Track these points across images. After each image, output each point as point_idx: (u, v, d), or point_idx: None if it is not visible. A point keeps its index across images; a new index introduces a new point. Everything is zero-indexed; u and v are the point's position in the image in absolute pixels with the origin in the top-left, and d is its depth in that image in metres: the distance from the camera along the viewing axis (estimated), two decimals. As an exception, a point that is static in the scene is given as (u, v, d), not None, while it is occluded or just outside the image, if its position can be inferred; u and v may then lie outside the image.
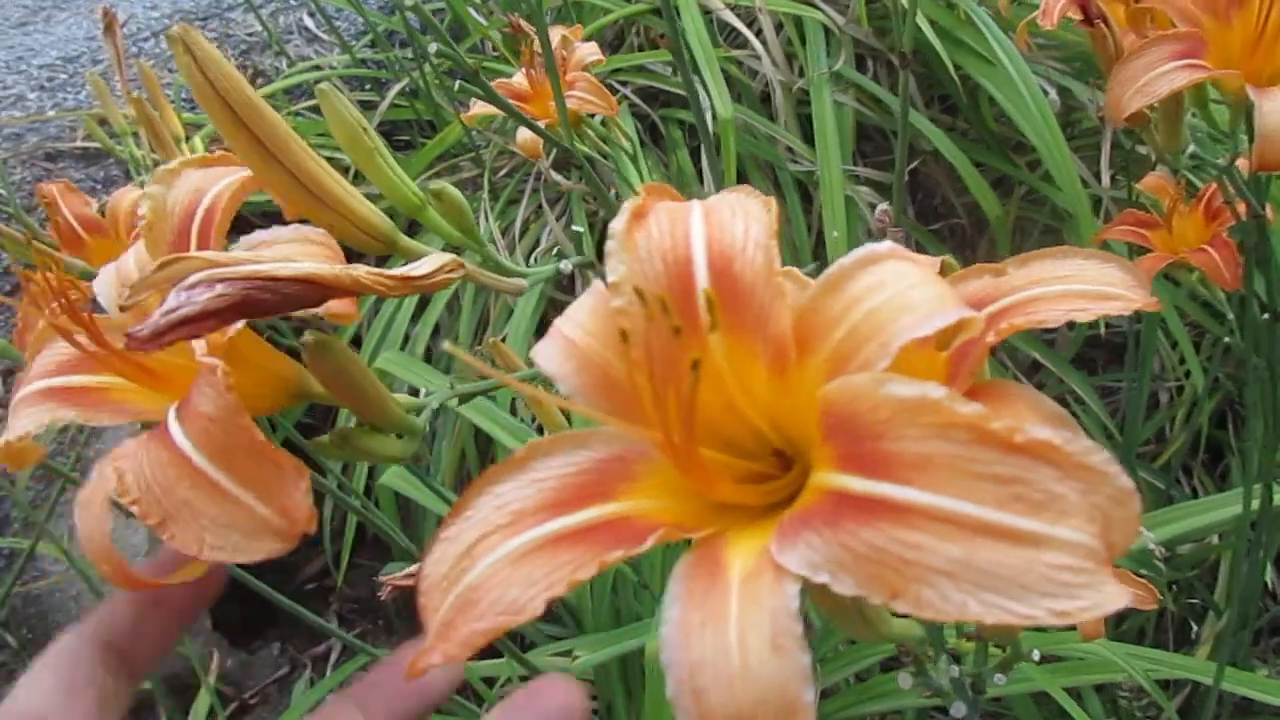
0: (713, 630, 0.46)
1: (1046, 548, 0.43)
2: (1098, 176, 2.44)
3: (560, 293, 2.41)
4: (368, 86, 2.97)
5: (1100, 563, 0.43)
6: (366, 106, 2.78)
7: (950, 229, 2.71)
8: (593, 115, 1.49)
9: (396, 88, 2.73)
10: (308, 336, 0.65)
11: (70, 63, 2.92)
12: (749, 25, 2.39)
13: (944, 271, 0.72)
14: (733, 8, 2.37)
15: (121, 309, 0.61)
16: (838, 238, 2.05)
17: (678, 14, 2.18)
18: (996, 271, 0.66)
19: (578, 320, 0.61)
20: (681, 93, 2.37)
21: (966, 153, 2.39)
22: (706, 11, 2.35)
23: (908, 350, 0.53)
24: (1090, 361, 2.70)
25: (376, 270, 0.62)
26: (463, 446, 2.30)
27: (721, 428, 0.60)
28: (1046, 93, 2.27)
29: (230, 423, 0.61)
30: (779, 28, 2.41)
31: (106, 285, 0.76)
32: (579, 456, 0.58)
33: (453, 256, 0.67)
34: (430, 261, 0.65)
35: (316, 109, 2.88)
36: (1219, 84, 0.95)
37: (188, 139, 1.91)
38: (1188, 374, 2.37)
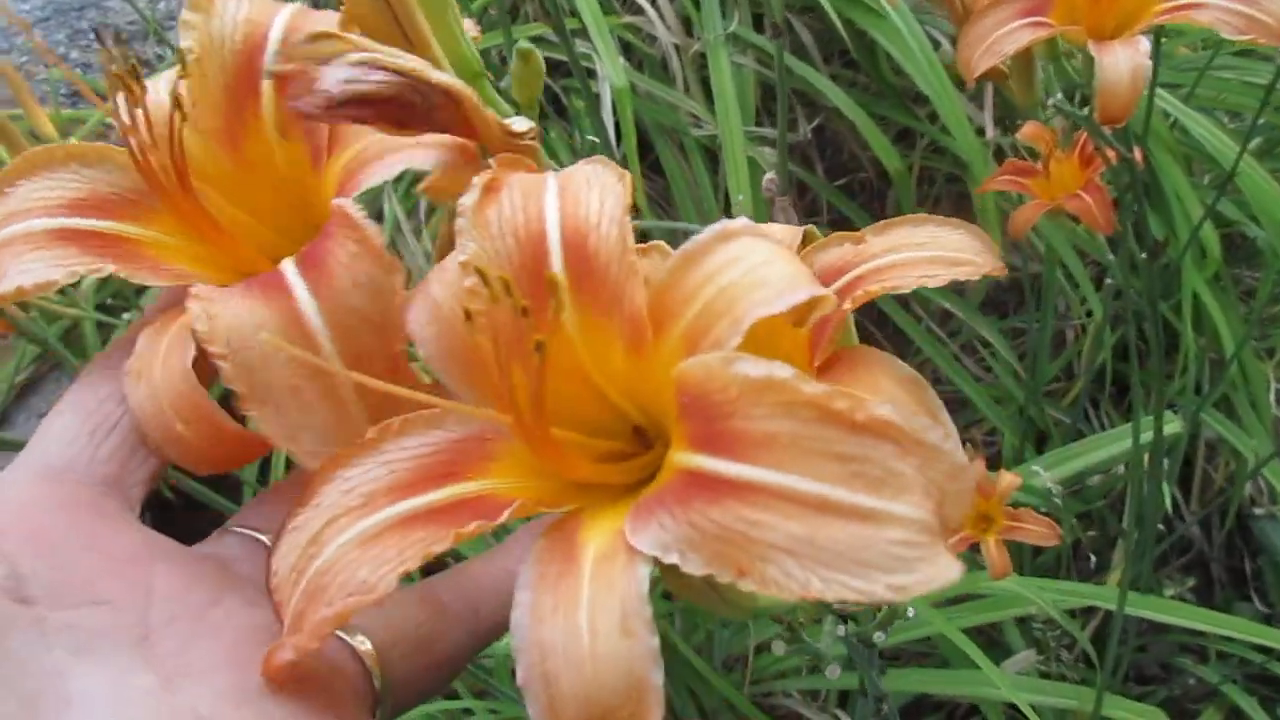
0: (564, 614, 0.47)
1: (885, 524, 0.44)
2: (997, 124, 2.48)
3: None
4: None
5: (934, 536, 0.44)
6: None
7: (859, 184, 2.74)
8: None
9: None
10: (451, 203, 0.58)
11: (-59, 63, 2.79)
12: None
13: (807, 240, 0.74)
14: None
15: (270, 76, 0.54)
16: (743, 201, 2.06)
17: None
18: (856, 239, 0.68)
19: (447, 279, 0.59)
20: (583, 64, 2.35)
21: (868, 107, 2.41)
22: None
23: (770, 321, 0.54)
24: (1002, 305, 2.77)
25: (497, 116, 0.58)
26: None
27: (579, 406, 0.59)
28: (939, 44, 2.30)
29: (380, 331, 0.54)
30: (672, -9, 2.40)
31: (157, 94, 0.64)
32: (433, 436, 0.56)
33: (533, 124, 0.63)
34: (522, 122, 0.62)
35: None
36: (1067, 38, 0.98)
37: (65, 138, 1.85)
38: (1090, 313, 2.45)
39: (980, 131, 2.35)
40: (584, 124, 2.43)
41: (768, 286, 0.52)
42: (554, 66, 2.56)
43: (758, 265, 0.53)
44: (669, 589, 0.62)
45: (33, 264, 0.57)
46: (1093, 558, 2.05)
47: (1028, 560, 2.15)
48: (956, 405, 2.68)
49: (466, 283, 0.56)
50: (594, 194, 0.58)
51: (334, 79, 0.52)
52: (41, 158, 0.62)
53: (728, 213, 2.31)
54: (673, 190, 2.41)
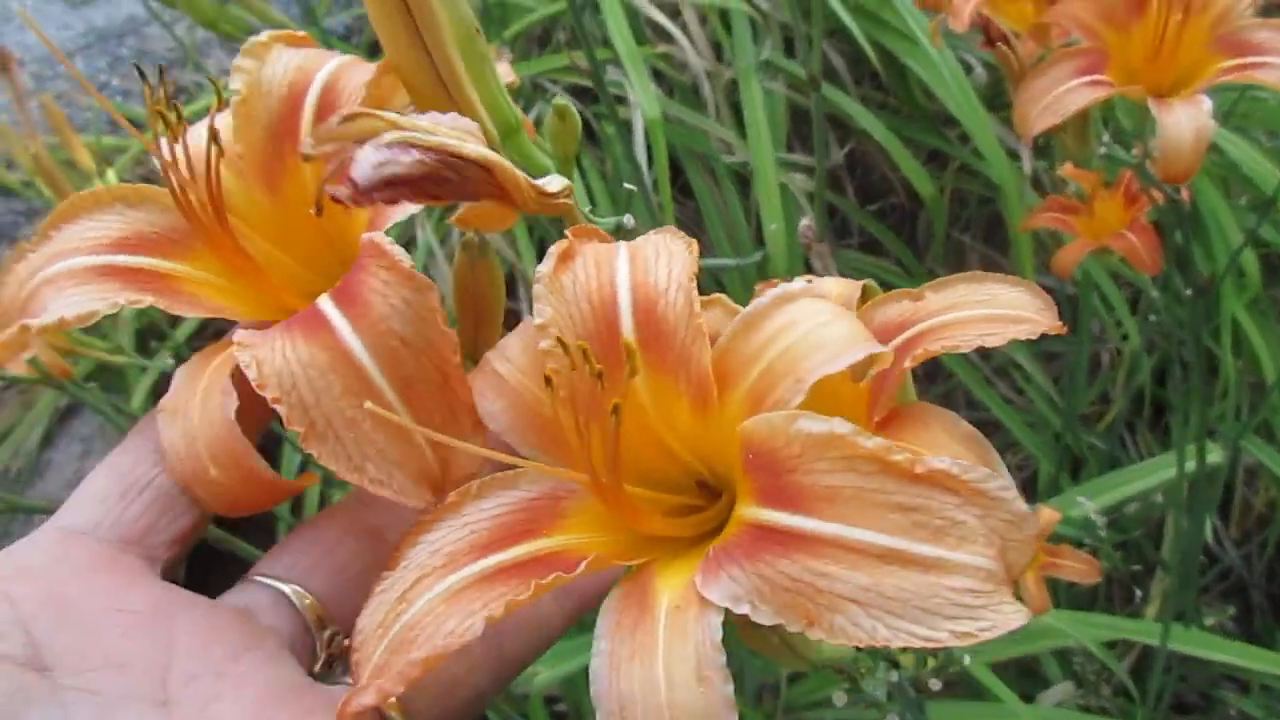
0: (641, 663, 0.49)
1: (949, 572, 0.46)
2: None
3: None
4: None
5: (999, 584, 0.46)
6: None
7: (890, 206, 2.73)
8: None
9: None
10: (469, 236, 0.63)
11: (-20, 90, 2.83)
12: (674, 19, 2.37)
13: (867, 295, 0.74)
14: (658, 4, 2.35)
15: (306, 158, 0.55)
16: (776, 230, 2.06)
17: (596, 10, 2.16)
18: (915, 296, 0.69)
19: (509, 356, 0.62)
20: (613, 90, 2.35)
21: (898, 130, 2.40)
22: (632, 10, 2.33)
23: (830, 379, 0.56)
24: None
25: (529, 178, 0.59)
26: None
27: (648, 462, 0.61)
28: (971, 68, 2.28)
29: (426, 349, 0.55)
30: (704, 20, 2.40)
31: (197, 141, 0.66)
32: (509, 497, 0.59)
33: (568, 181, 0.64)
34: (556, 181, 0.63)
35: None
36: (1126, 95, 0.97)
37: (102, 173, 1.86)
38: (1126, 336, 2.42)
39: (1014, 155, 2.33)
40: (615, 150, 2.43)
41: (827, 347, 0.54)
42: (584, 91, 2.57)
43: (817, 327, 0.56)
44: (738, 637, 0.63)
45: (74, 297, 0.59)
46: (1135, 591, 2.02)
47: (1064, 589, 2.13)
48: (989, 429, 2.66)
49: (543, 344, 0.59)
50: (662, 262, 0.60)
51: (366, 165, 0.53)
52: (87, 201, 0.64)
53: (760, 240, 2.30)
54: (703, 215, 2.40)
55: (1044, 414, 2.36)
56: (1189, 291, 1.38)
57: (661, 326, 0.58)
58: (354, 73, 0.68)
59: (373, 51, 2.90)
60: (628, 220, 0.85)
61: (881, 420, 0.66)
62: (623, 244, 0.63)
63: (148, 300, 0.59)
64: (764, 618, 0.47)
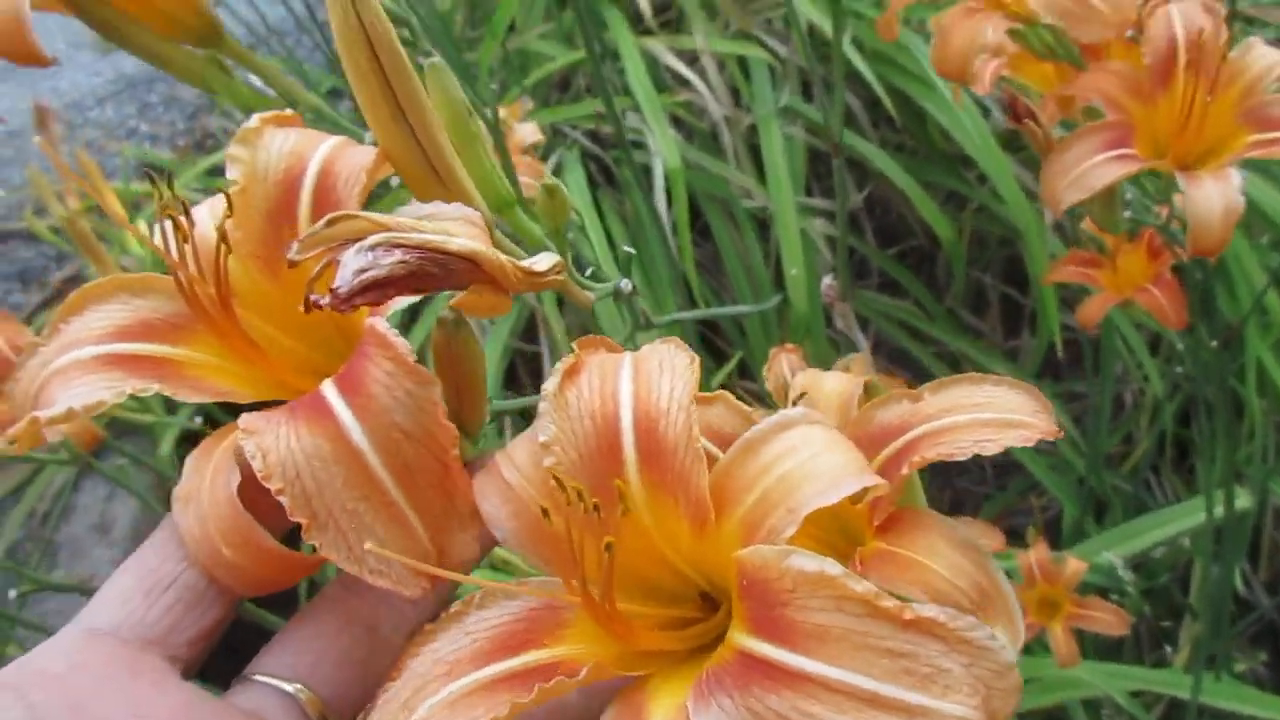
0: None
1: None
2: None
3: (521, 341, 2.40)
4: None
5: None
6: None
7: (910, 248, 2.73)
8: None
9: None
10: (446, 311, 0.63)
11: (14, 138, 2.87)
12: (692, 66, 2.39)
13: (869, 393, 0.75)
14: (676, 51, 2.37)
15: (291, 265, 0.55)
16: (796, 275, 2.06)
17: (616, 58, 2.18)
18: (914, 398, 0.70)
19: (517, 463, 0.63)
20: (632, 136, 2.37)
21: (917, 173, 2.41)
22: (651, 58, 2.36)
23: None
24: (1056, 367, 2.74)
25: (516, 261, 0.60)
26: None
27: (650, 574, 0.62)
28: (989, 112, 2.29)
29: (426, 440, 0.55)
30: (722, 67, 2.42)
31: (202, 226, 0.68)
32: (511, 607, 0.60)
33: (558, 258, 0.65)
34: (545, 259, 0.64)
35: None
36: (1154, 169, 0.97)
37: (131, 219, 1.89)
38: (1148, 377, 2.41)
39: (1033, 196, 2.34)
40: (635, 195, 2.45)
41: (822, 478, 0.56)
42: (605, 137, 2.59)
43: (813, 456, 0.57)
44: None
45: (81, 388, 0.60)
46: (1165, 644, 2.00)
47: (1089, 637, 2.10)
48: (1012, 471, 2.65)
49: (546, 462, 0.60)
50: (665, 379, 0.61)
51: (348, 272, 0.54)
52: (93, 292, 0.66)
53: (779, 283, 2.31)
54: (723, 259, 2.41)
55: (1067, 456, 2.35)
56: (1214, 343, 1.38)
57: (662, 446, 0.59)
58: (348, 155, 0.69)
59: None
60: (625, 285, 0.86)
61: (882, 524, 0.67)
62: (627, 358, 0.63)
63: (154, 388, 0.60)
64: None
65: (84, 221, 1.43)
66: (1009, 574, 1.74)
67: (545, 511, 0.58)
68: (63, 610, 2.15)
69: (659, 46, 2.36)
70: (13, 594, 1.66)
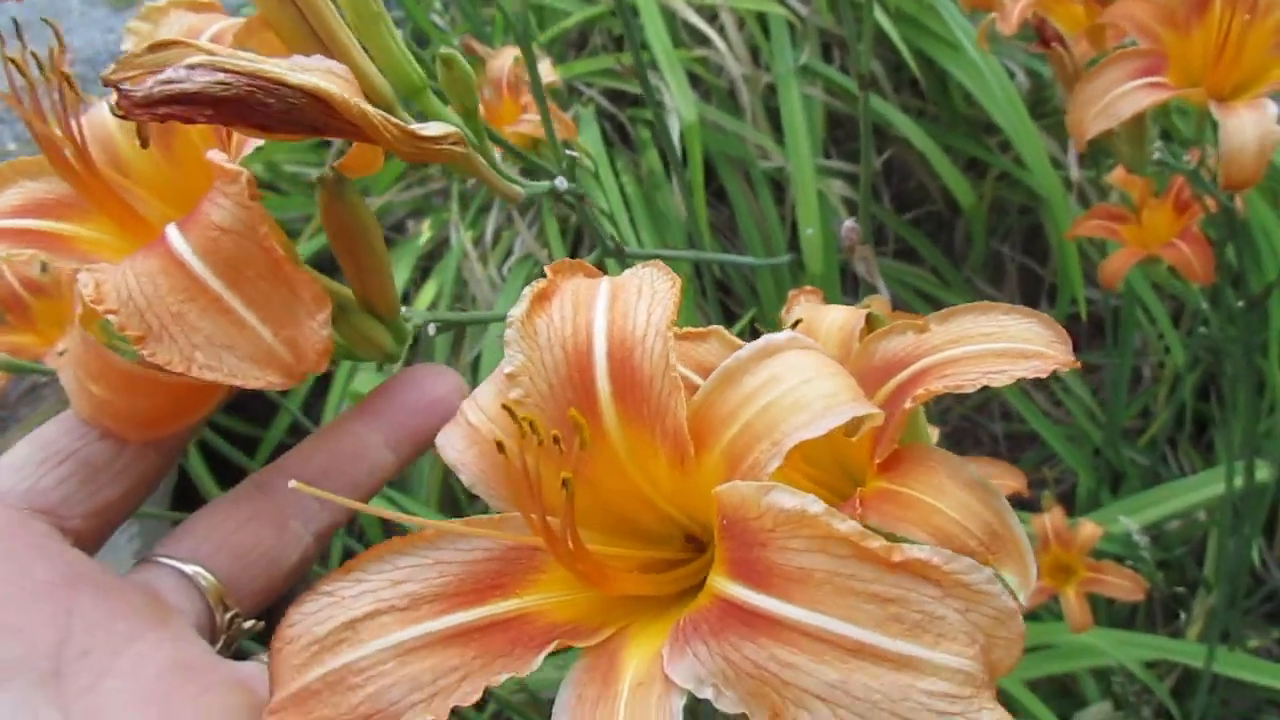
0: None
1: (924, 673, 0.42)
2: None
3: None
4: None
5: (979, 687, 0.42)
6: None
7: (927, 215, 2.69)
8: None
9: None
10: (325, 170, 0.61)
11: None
12: (711, 23, 2.35)
13: (870, 324, 0.70)
14: (695, 7, 2.33)
15: (104, 82, 0.54)
16: (812, 235, 2.03)
17: (635, 13, 2.15)
18: (919, 328, 0.65)
19: (481, 404, 0.60)
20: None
21: (938, 138, 2.37)
22: (669, 13, 2.32)
23: None
24: (1075, 337, 2.70)
25: (386, 115, 0.57)
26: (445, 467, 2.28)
27: (626, 512, 0.59)
28: (1014, 75, 2.25)
29: (246, 233, 0.55)
30: (741, 24, 2.38)
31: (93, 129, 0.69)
32: (487, 543, 0.57)
33: (458, 129, 0.62)
34: (439, 126, 0.61)
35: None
36: (1186, 99, 0.94)
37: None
38: (1169, 349, 2.37)
39: (1057, 164, 2.29)
40: (650, 154, 2.42)
41: (808, 408, 0.51)
42: (620, 95, 2.56)
43: (800, 384, 0.52)
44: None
45: None
46: (1179, 613, 1.97)
47: (1103, 607, 2.08)
48: (1027, 442, 2.61)
49: (511, 394, 0.56)
50: (643, 305, 0.57)
51: (150, 81, 0.51)
52: None
53: (794, 246, 2.28)
54: (738, 220, 2.38)
55: (1084, 427, 2.31)
56: (1240, 304, 1.34)
57: (637, 376, 0.55)
58: (231, 31, 0.68)
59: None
60: (561, 183, 0.80)
61: (884, 462, 0.63)
62: (605, 283, 0.59)
63: (39, 254, 0.63)
64: (727, 705, 0.45)
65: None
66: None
67: (500, 445, 0.54)
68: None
69: (678, 2, 2.33)
70: None
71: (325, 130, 0.56)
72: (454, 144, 0.61)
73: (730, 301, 2.44)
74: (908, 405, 0.60)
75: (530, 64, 1.12)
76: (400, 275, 2.38)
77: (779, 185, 2.39)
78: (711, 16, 2.38)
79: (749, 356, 0.54)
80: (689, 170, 2.11)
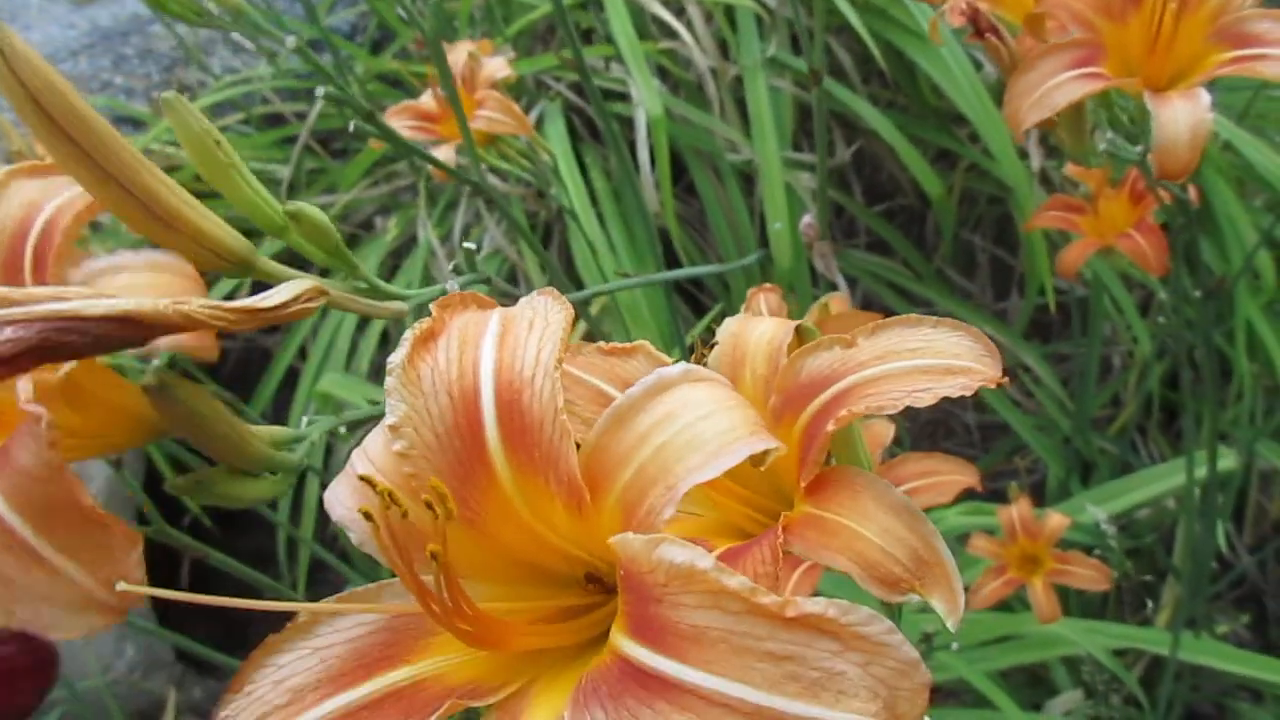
0: None
1: None
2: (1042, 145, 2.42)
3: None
4: (299, 97, 2.90)
5: None
6: (299, 117, 2.72)
7: (898, 207, 2.69)
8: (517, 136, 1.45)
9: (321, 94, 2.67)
10: (148, 376, 0.60)
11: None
12: (679, 16, 2.34)
13: (801, 336, 0.68)
14: (662, 0, 2.32)
15: None
16: (780, 229, 2.03)
17: (600, 6, 2.13)
18: (846, 343, 0.63)
19: (371, 456, 0.58)
20: (616, 87, 2.33)
21: (906, 129, 2.36)
22: (636, 6, 2.31)
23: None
24: (1045, 328, 2.71)
25: (213, 303, 0.56)
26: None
27: (526, 558, 0.57)
28: (980, 66, 2.25)
29: (52, 481, 0.55)
30: (709, 17, 2.37)
31: None
32: (369, 617, 0.55)
33: (313, 282, 0.61)
34: (286, 289, 0.60)
35: (247, 121, 2.81)
36: (1122, 89, 0.93)
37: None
38: (1137, 338, 2.38)
39: (1023, 154, 2.29)
40: (619, 148, 2.41)
41: (702, 448, 0.50)
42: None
43: (694, 421, 0.51)
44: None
45: None
46: (1147, 601, 1.98)
47: (1073, 595, 2.09)
48: (998, 432, 2.62)
49: (396, 446, 0.54)
50: (533, 339, 0.55)
51: None
52: None
53: (764, 239, 2.28)
54: (707, 214, 2.38)
55: (1054, 417, 2.32)
56: (1198, 293, 1.35)
57: (527, 421, 0.53)
58: (75, 207, 0.67)
59: (375, 49, 2.89)
60: (452, 286, 0.79)
61: (810, 485, 0.61)
62: (495, 317, 0.56)
63: None
64: None
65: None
66: (990, 530, 1.72)
67: (367, 515, 0.52)
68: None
69: (643, -6, 2.32)
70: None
71: (151, 338, 0.55)
72: (309, 301, 0.59)
73: (701, 294, 2.43)
74: (830, 429, 0.59)
75: (441, 66, 1.11)
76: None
77: (749, 178, 2.38)
78: (679, 10, 2.37)
79: (641, 394, 0.52)
80: (657, 164, 2.11)
